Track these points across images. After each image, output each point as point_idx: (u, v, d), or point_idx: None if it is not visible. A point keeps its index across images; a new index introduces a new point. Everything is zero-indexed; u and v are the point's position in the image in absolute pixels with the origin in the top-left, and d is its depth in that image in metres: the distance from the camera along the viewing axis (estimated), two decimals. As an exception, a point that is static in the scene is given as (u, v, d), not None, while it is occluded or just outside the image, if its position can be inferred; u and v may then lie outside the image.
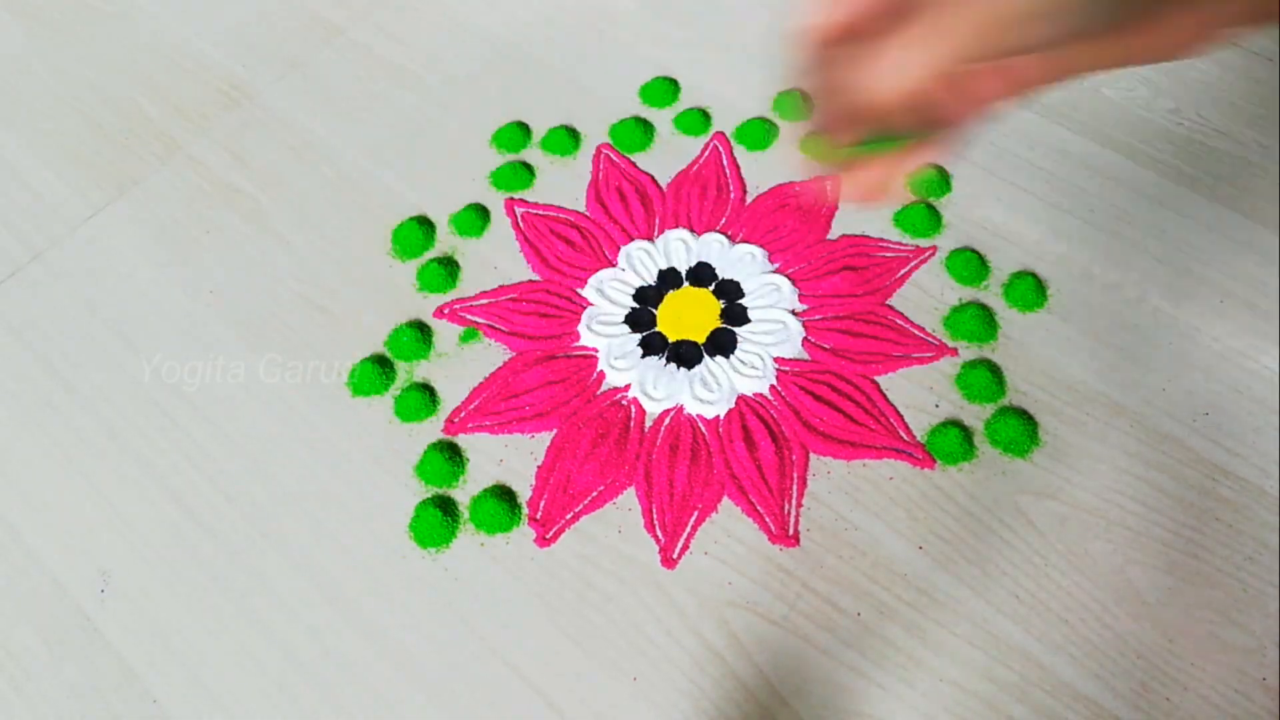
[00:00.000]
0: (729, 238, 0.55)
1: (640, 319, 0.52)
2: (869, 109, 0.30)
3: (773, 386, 0.49)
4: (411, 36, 0.67)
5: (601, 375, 0.50)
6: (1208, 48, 0.26)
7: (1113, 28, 0.26)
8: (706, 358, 0.50)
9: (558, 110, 0.61)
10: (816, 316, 0.51)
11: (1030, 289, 0.51)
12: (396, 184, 0.59)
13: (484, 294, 0.54)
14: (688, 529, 0.45)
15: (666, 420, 0.48)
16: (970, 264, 0.52)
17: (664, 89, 0.62)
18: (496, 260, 0.55)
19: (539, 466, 0.47)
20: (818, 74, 0.32)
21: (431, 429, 0.49)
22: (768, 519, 0.45)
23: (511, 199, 0.58)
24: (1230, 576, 0.42)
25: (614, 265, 0.54)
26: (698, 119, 0.60)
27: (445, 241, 0.56)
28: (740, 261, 0.53)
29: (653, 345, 0.51)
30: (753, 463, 0.46)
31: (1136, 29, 0.26)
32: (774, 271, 0.53)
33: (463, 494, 0.47)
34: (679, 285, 0.53)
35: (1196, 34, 0.26)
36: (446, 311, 0.53)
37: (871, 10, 0.29)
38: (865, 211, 0.55)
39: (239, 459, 0.49)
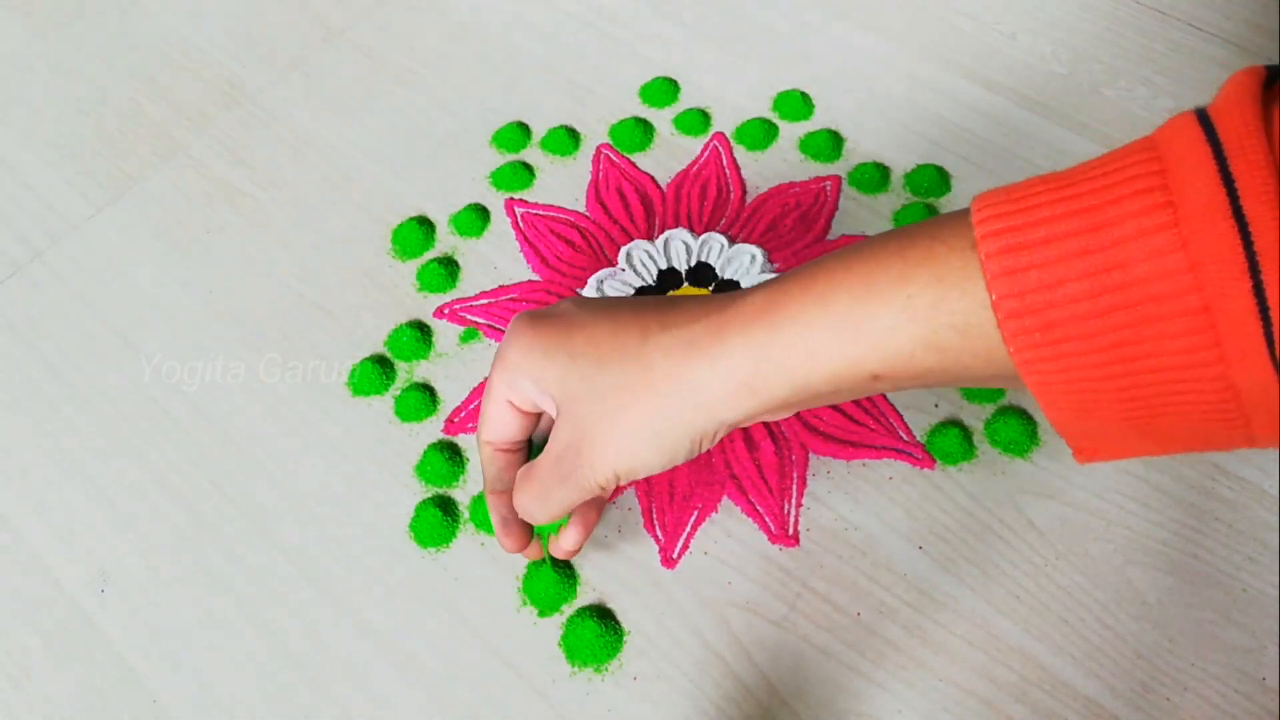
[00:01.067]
0: (729, 238, 0.55)
1: (640, 319, 0.52)
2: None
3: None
4: (411, 36, 0.67)
5: (601, 375, 0.50)
6: None
7: (721, 439, 0.34)
8: (706, 358, 0.50)
9: (558, 110, 0.62)
10: (816, 316, 0.51)
11: (1030, 289, 0.51)
12: (396, 184, 0.59)
13: (484, 294, 0.54)
14: (688, 529, 0.45)
15: (666, 420, 0.48)
16: (970, 264, 0.52)
17: (664, 89, 0.62)
18: (496, 260, 0.55)
19: (539, 466, 0.48)
20: (499, 480, 0.39)
21: (431, 429, 0.49)
22: (768, 519, 0.45)
23: (511, 199, 0.58)
24: (1230, 576, 0.42)
25: (614, 265, 0.54)
26: (698, 119, 0.60)
27: (445, 241, 0.56)
28: (740, 262, 0.53)
29: (653, 345, 0.51)
30: (753, 463, 0.46)
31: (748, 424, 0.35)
32: (774, 272, 0.53)
33: (463, 494, 0.47)
34: (679, 285, 0.53)
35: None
36: (446, 311, 0.53)
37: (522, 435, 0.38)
38: (865, 211, 0.55)
39: (239, 459, 0.49)
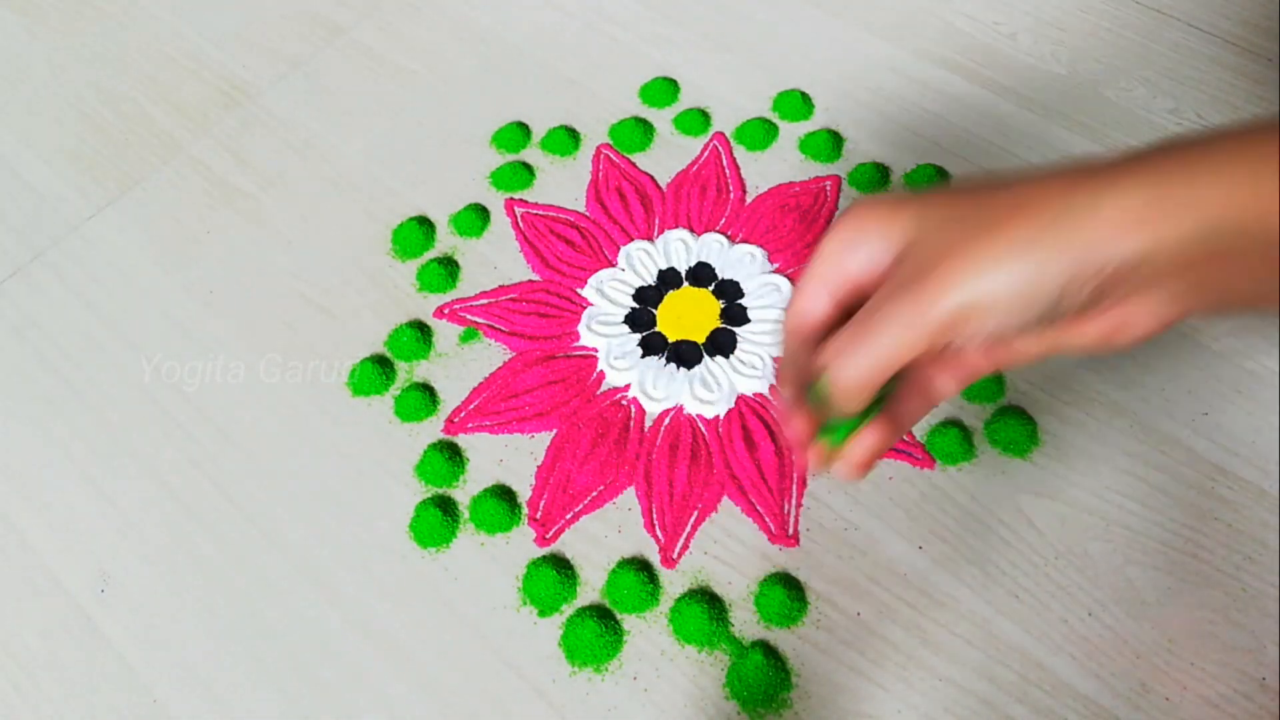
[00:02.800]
0: (729, 238, 0.55)
1: (640, 319, 0.52)
2: (836, 397, 0.31)
3: (773, 386, 0.49)
4: (411, 36, 0.67)
5: (601, 375, 0.50)
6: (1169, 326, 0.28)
7: (1076, 318, 0.28)
8: (706, 358, 0.50)
9: (558, 110, 0.61)
10: (816, 316, 0.51)
11: (1030, 289, 0.51)
12: (396, 184, 0.59)
13: (484, 294, 0.54)
14: (688, 529, 0.45)
15: (666, 420, 0.48)
16: (970, 264, 0.52)
17: (664, 89, 0.62)
18: (496, 260, 0.55)
19: (539, 466, 0.48)
20: (794, 364, 0.33)
21: (431, 429, 0.49)
22: (768, 519, 0.45)
23: (511, 199, 0.58)
24: (1230, 576, 0.42)
25: (614, 265, 0.54)
26: (697, 119, 0.60)
27: (445, 241, 0.56)
28: (740, 262, 0.54)
29: (652, 345, 0.51)
30: (753, 463, 0.46)
31: (1099, 317, 0.29)
32: (774, 272, 0.53)
33: (463, 494, 0.47)
34: (679, 285, 0.53)
35: (1157, 324, 0.28)
36: (446, 311, 0.53)
37: (851, 290, 0.32)
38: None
39: (239, 459, 0.49)
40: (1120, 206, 0.26)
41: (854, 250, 0.31)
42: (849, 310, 0.31)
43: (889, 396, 0.32)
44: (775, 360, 0.50)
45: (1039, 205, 0.27)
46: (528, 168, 0.59)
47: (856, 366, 0.29)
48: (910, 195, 0.31)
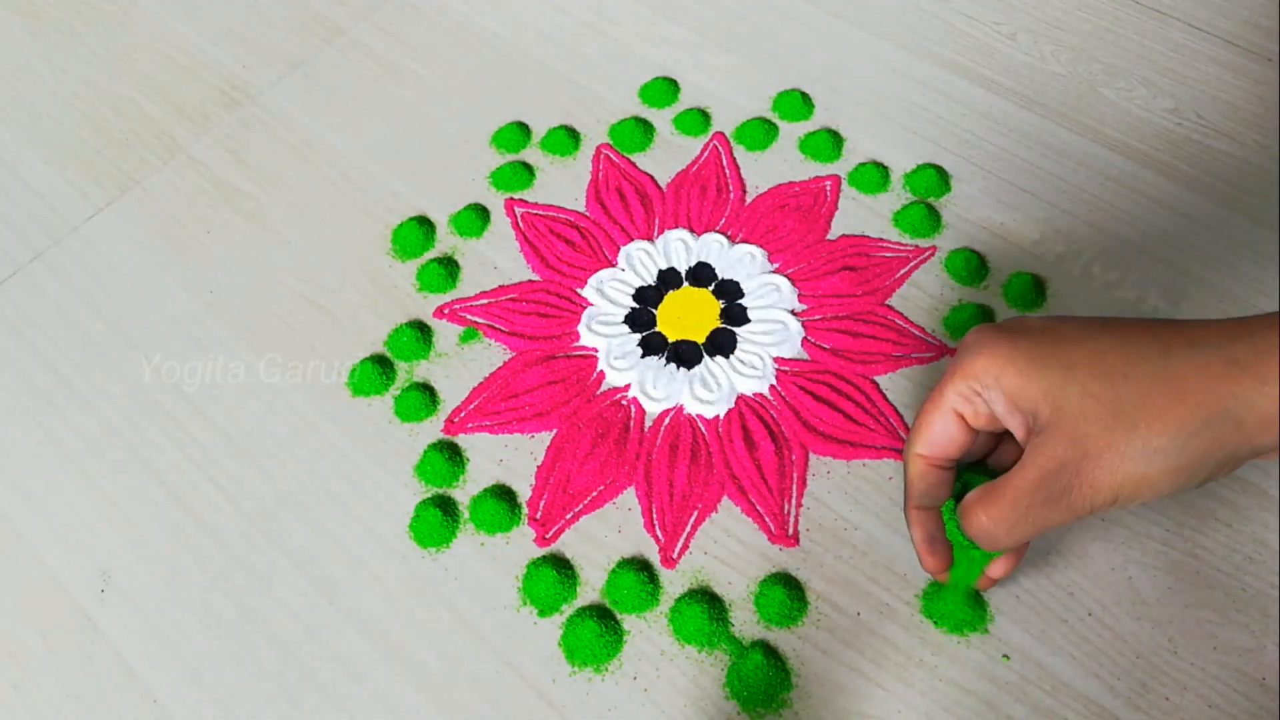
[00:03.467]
0: (729, 238, 0.55)
1: (640, 319, 0.52)
2: (982, 545, 0.34)
3: (772, 386, 0.49)
4: (411, 36, 0.67)
5: (601, 375, 0.50)
6: None
7: (1232, 470, 0.30)
8: (706, 358, 0.50)
9: (558, 110, 0.62)
10: (816, 316, 0.51)
11: (1030, 289, 0.51)
12: (396, 184, 0.59)
13: (484, 294, 0.54)
14: (688, 529, 0.45)
15: (666, 420, 0.48)
16: (970, 264, 0.52)
17: (664, 89, 0.62)
18: (496, 260, 0.55)
19: (539, 466, 0.48)
20: (928, 492, 0.37)
21: (431, 429, 0.49)
22: (768, 519, 0.45)
23: (511, 199, 0.58)
24: (1230, 576, 0.42)
25: (614, 265, 0.54)
26: (697, 119, 0.60)
27: (445, 241, 0.56)
28: (740, 261, 0.54)
29: (652, 345, 0.51)
30: (753, 463, 0.46)
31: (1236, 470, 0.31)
32: (773, 271, 0.53)
33: (463, 494, 0.47)
34: (679, 285, 0.53)
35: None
36: (446, 311, 0.53)
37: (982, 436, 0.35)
38: (865, 211, 0.55)
39: (239, 459, 0.49)
40: (1275, 403, 0.28)
41: (986, 396, 0.32)
42: (973, 443, 0.35)
43: None
44: (779, 361, 0.50)
45: (1195, 399, 0.29)
46: (528, 168, 0.59)
47: (1014, 535, 0.33)
48: (1040, 343, 0.31)
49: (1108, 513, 0.31)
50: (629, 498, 0.46)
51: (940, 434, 0.35)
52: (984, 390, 0.32)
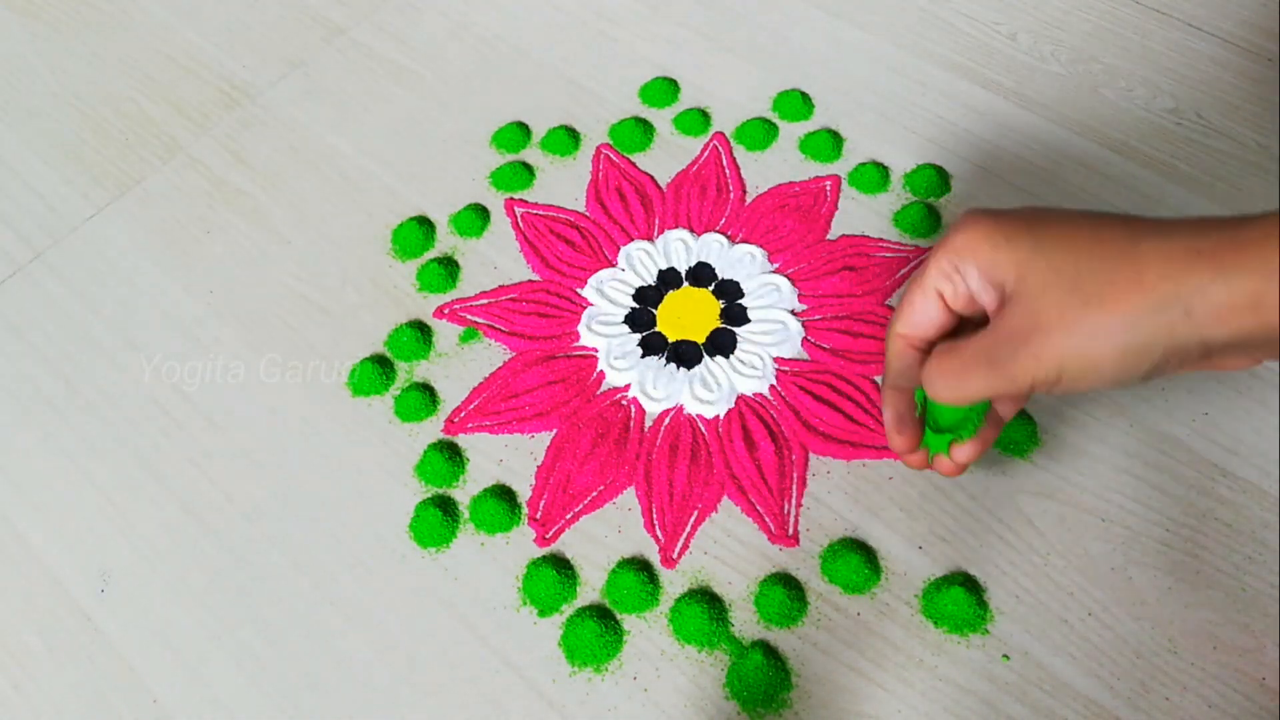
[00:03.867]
0: (729, 238, 0.55)
1: (640, 319, 0.52)
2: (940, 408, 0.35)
3: (772, 386, 0.49)
4: (412, 36, 0.67)
5: (601, 375, 0.50)
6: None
7: (1179, 368, 0.30)
8: (706, 358, 0.50)
9: (558, 110, 0.62)
10: (816, 316, 0.51)
11: (1030, 289, 0.51)
12: (396, 184, 0.59)
13: (484, 294, 0.54)
14: (688, 529, 0.45)
15: (666, 420, 0.48)
16: (970, 264, 0.52)
17: (664, 89, 0.62)
18: (496, 260, 0.55)
19: (539, 466, 0.48)
20: (903, 372, 0.37)
21: (431, 429, 0.49)
22: (768, 519, 0.45)
23: (511, 199, 0.58)
24: (1230, 576, 0.42)
25: (614, 265, 0.54)
26: (697, 119, 0.60)
27: (445, 241, 0.56)
28: (740, 261, 0.54)
29: (652, 345, 0.51)
30: (753, 463, 0.46)
31: (1195, 367, 0.30)
32: (773, 271, 0.53)
33: (463, 494, 0.47)
34: (679, 285, 0.53)
35: (1251, 365, 0.31)
36: (446, 311, 0.53)
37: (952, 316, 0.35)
38: (865, 211, 0.55)
39: (239, 459, 0.49)
40: (1232, 292, 0.27)
41: (963, 270, 0.33)
42: (952, 326, 0.35)
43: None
44: (779, 361, 0.50)
45: (1151, 282, 0.28)
46: (528, 168, 0.59)
47: (954, 391, 0.33)
48: (1020, 220, 0.32)
49: (1052, 392, 0.31)
50: (629, 498, 0.46)
51: (920, 314, 0.35)
52: (962, 265, 0.33)
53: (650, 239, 0.55)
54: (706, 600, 0.43)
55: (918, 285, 0.34)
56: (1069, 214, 0.32)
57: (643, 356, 0.50)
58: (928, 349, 0.36)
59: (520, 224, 0.56)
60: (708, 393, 0.49)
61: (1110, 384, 0.30)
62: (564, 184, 0.58)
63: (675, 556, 0.45)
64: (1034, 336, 0.30)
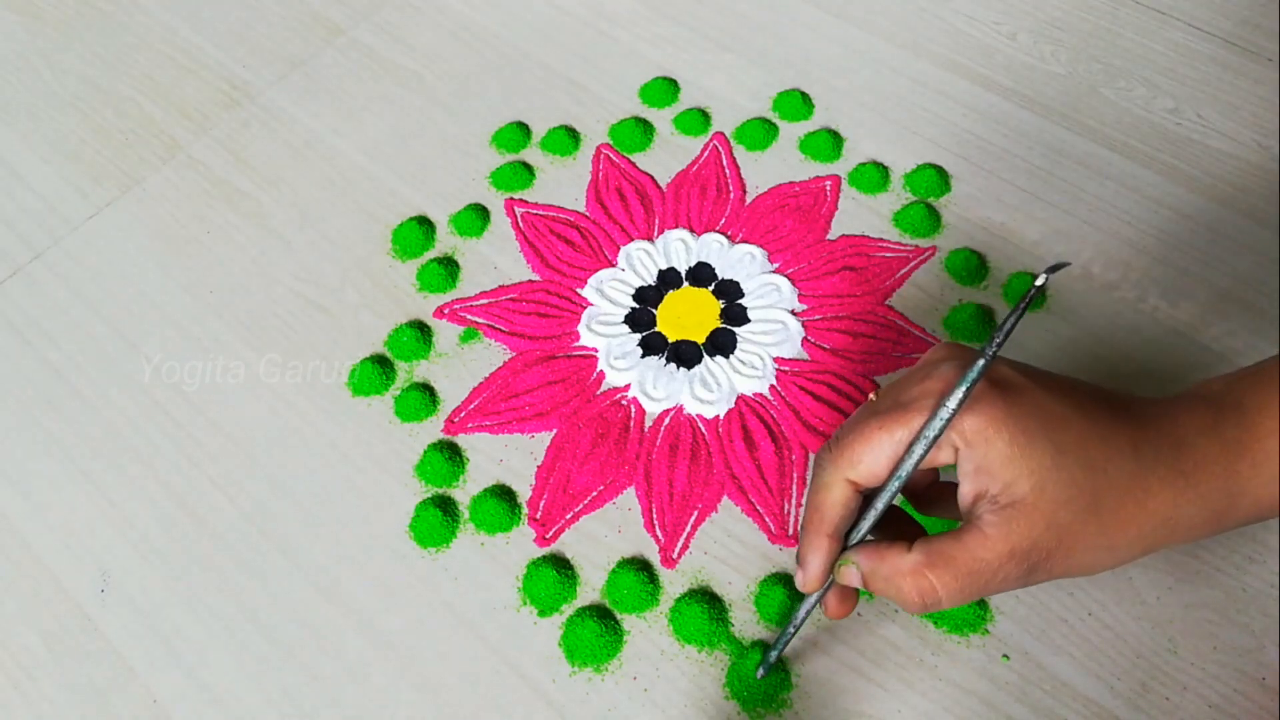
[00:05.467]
0: (729, 238, 0.55)
1: (640, 319, 0.52)
2: (912, 609, 0.33)
3: (772, 386, 0.49)
4: (412, 36, 0.67)
5: (601, 375, 0.50)
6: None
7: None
8: (706, 358, 0.50)
9: (558, 110, 0.62)
10: (816, 316, 0.51)
11: (1030, 289, 0.51)
12: (396, 184, 0.59)
13: (484, 294, 0.54)
14: (688, 529, 0.45)
15: (666, 420, 0.48)
16: (970, 264, 0.52)
17: (664, 89, 0.62)
18: (496, 260, 0.55)
19: (539, 466, 0.48)
20: (843, 524, 0.35)
21: (431, 429, 0.49)
22: (768, 519, 0.45)
23: (511, 199, 0.58)
24: (1230, 576, 0.42)
25: (614, 265, 0.54)
26: (697, 119, 0.60)
27: (445, 241, 0.56)
28: (740, 261, 0.54)
29: (652, 345, 0.51)
30: (753, 463, 0.46)
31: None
32: (774, 271, 0.53)
33: (463, 494, 0.47)
34: (679, 285, 0.53)
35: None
36: (446, 311, 0.53)
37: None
38: (865, 211, 0.55)
39: (239, 459, 0.49)
40: (1204, 514, 0.32)
41: (967, 450, 0.32)
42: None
43: None
44: (779, 361, 0.50)
45: (1156, 506, 0.32)
46: (528, 168, 0.59)
47: (959, 600, 0.32)
48: (1034, 421, 0.31)
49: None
50: (629, 498, 0.46)
51: (882, 466, 0.33)
52: (965, 444, 0.31)
53: (650, 239, 0.55)
54: (706, 600, 0.43)
55: (885, 435, 0.32)
56: (1070, 410, 0.32)
57: (643, 356, 0.50)
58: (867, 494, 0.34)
59: (520, 224, 0.56)
60: (708, 393, 0.49)
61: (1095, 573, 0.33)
62: (564, 184, 0.58)
63: (675, 556, 0.45)
64: (1057, 555, 0.31)
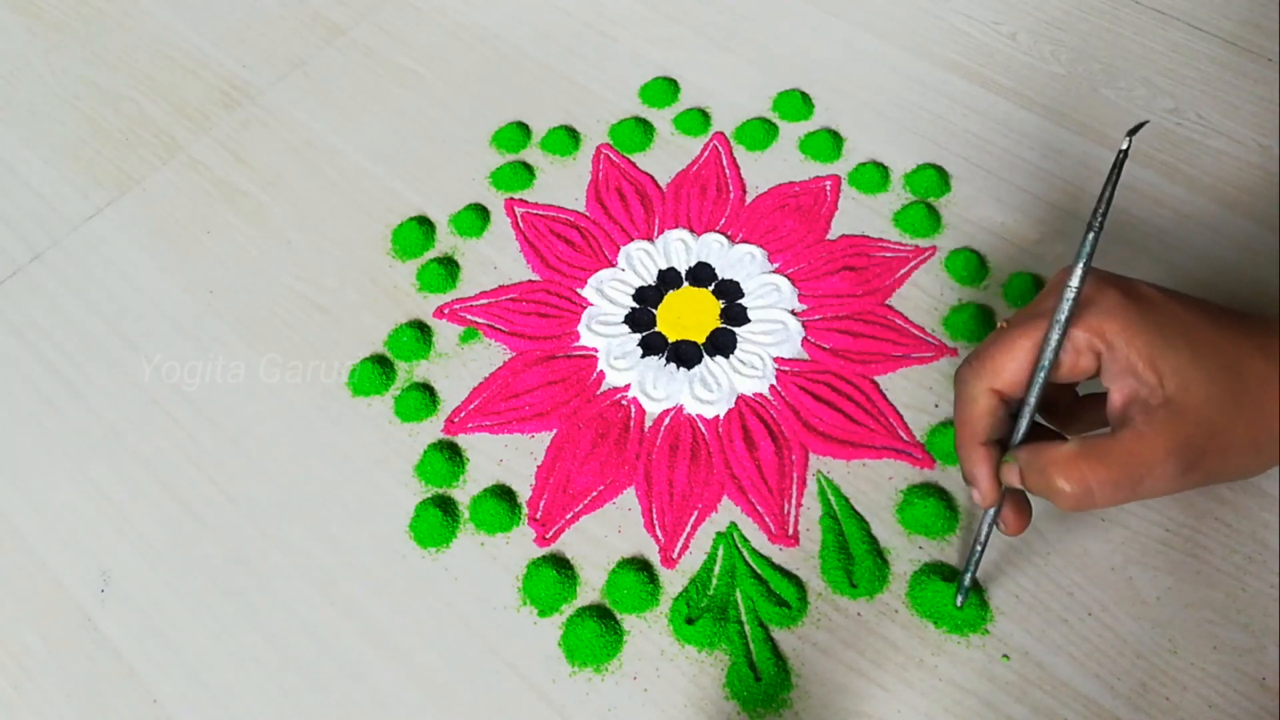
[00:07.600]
0: (729, 238, 0.55)
1: (640, 319, 0.52)
2: (1065, 505, 0.34)
3: (772, 386, 0.49)
4: (412, 36, 0.67)
5: (601, 375, 0.50)
6: None
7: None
8: (706, 358, 0.50)
9: (558, 110, 0.62)
10: (816, 316, 0.51)
11: (1030, 289, 0.51)
12: (396, 184, 0.59)
13: (484, 294, 0.54)
14: (688, 529, 0.45)
15: (666, 420, 0.48)
16: (970, 264, 0.52)
17: (664, 89, 0.62)
18: (496, 260, 0.55)
19: (539, 466, 0.48)
20: (993, 431, 0.36)
21: (431, 429, 0.49)
22: (768, 519, 0.45)
23: (511, 199, 0.58)
24: (1230, 576, 0.42)
25: (614, 265, 0.54)
26: (697, 119, 0.60)
27: (445, 241, 0.56)
28: (740, 261, 0.54)
29: (652, 345, 0.51)
30: (752, 463, 0.46)
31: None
32: (774, 271, 0.53)
33: (463, 494, 0.47)
34: (679, 285, 0.53)
35: None
36: (446, 311, 0.53)
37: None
38: (865, 211, 0.55)
39: (239, 459, 0.49)
40: None
41: (1110, 351, 0.33)
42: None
43: None
44: (779, 361, 0.50)
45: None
46: (528, 168, 0.59)
47: (1115, 498, 0.32)
48: (1168, 318, 0.33)
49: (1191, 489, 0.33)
50: (629, 498, 0.46)
51: (1019, 374, 0.34)
52: (1107, 348, 0.33)
53: (650, 239, 0.55)
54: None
55: (1025, 340, 0.34)
56: (1198, 314, 0.33)
57: (643, 356, 0.50)
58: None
59: (520, 224, 0.56)
60: (708, 393, 0.49)
61: (1246, 477, 0.34)
62: (564, 184, 0.58)
63: (675, 556, 0.45)
64: (1210, 449, 0.32)
